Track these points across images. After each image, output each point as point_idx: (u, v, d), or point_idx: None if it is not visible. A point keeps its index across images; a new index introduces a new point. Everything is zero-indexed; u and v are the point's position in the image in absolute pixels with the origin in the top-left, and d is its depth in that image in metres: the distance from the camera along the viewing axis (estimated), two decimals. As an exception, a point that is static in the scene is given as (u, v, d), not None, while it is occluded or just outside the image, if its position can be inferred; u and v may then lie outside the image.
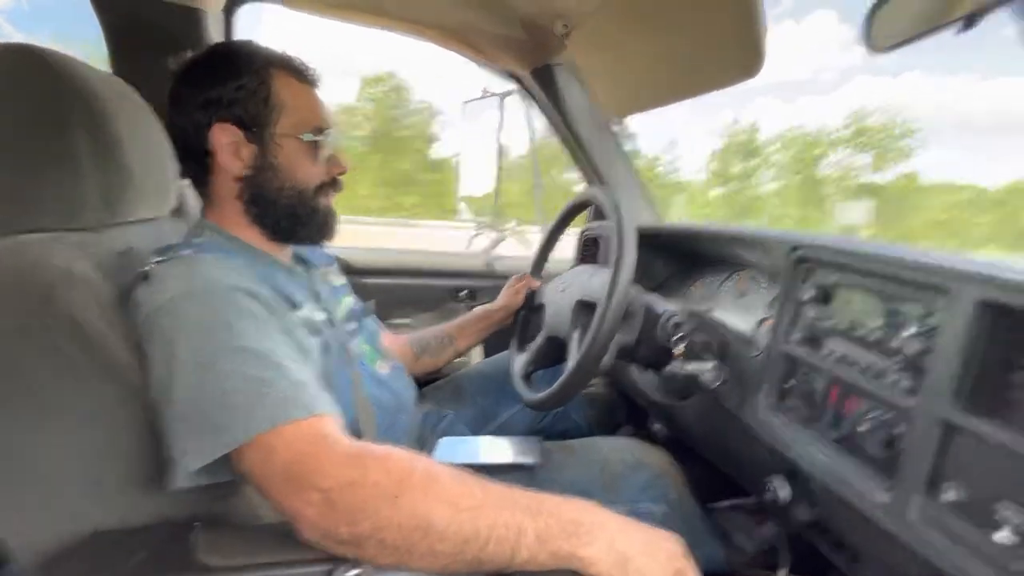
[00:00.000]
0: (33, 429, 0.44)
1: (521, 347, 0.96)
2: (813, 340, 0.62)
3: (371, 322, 0.83)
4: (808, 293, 0.63)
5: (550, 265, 1.07)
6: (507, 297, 1.02)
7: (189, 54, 0.63)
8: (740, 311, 0.90)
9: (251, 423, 0.43)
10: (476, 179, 1.80)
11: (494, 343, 1.07)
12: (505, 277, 1.08)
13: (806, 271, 0.66)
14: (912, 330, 0.50)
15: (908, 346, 0.50)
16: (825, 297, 0.62)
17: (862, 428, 0.52)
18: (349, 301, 0.80)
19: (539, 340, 0.88)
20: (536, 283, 1.03)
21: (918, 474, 0.46)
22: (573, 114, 1.27)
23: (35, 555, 0.45)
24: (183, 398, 0.44)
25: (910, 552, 0.46)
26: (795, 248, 0.66)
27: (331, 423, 0.46)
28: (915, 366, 0.49)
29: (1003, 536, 0.39)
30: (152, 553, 0.40)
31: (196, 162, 0.62)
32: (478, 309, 1.04)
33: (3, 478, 0.44)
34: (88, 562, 0.40)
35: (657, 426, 1.11)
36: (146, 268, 0.53)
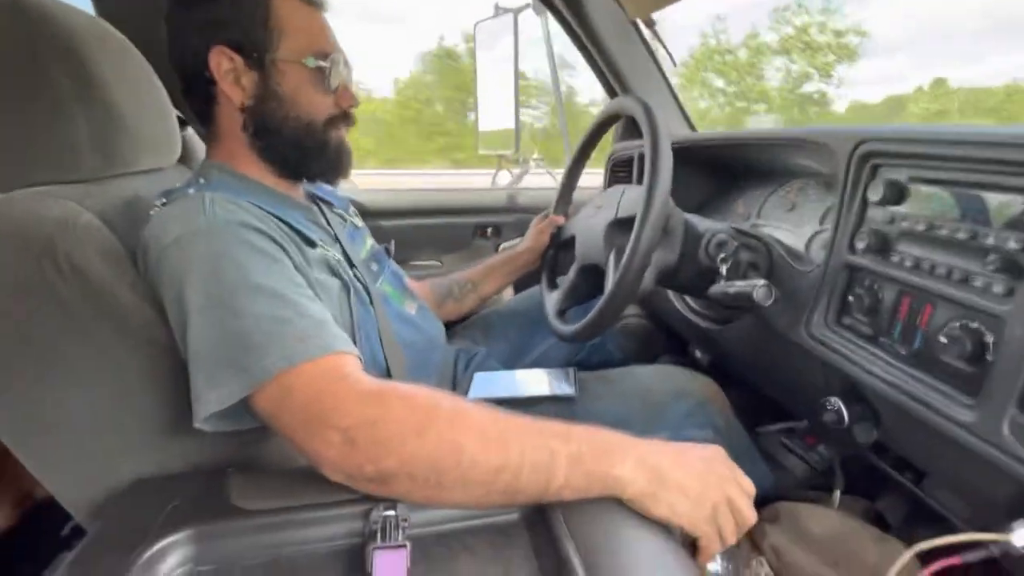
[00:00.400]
0: (51, 386, 0.43)
1: (552, 285, 0.91)
2: (881, 247, 0.55)
3: (393, 263, 0.80)
4: (876, 194, 0.55)
5: (576, 198, 0.99)
6: (532, 238, 0.96)
7: None
8: (790, 225, 0.82)
9: (268, 362, 0.41)
10: (493, 112, 1.69)
11: (524, 280, 1.03)
12: (529, 211, 1.01)
13: (872, 168, 0.57)
14: (1009, 221, 0.42)
15: (1004, 241, 0.42)
16: (898, 196, 0.54)
17: (941, 340, 0.46)
18: (370, 243, 0.77)
19: (571, 273, 0.83)
20: (561, 219, 0.95)
21: (1012, 387, 0.40)
22: (593, 16, 1.14)
23: (86, 507, 0.46)
24: (197, 339, 0.42)
25: (998, 470, 0.41)
26: (860, 143, 0.58)
27: (351, 362, 0.44)
28: (1012, 265, 0.42)
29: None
30: (188, 499, 0.39)
31: (200, 93, 0.58)
32: (501, 253, 0.99)
33: (34, 437, 0.44)
34: (130, 509, 0.41)
35: (698, 353, 1.07)
36: (151, 211, 0.51)
